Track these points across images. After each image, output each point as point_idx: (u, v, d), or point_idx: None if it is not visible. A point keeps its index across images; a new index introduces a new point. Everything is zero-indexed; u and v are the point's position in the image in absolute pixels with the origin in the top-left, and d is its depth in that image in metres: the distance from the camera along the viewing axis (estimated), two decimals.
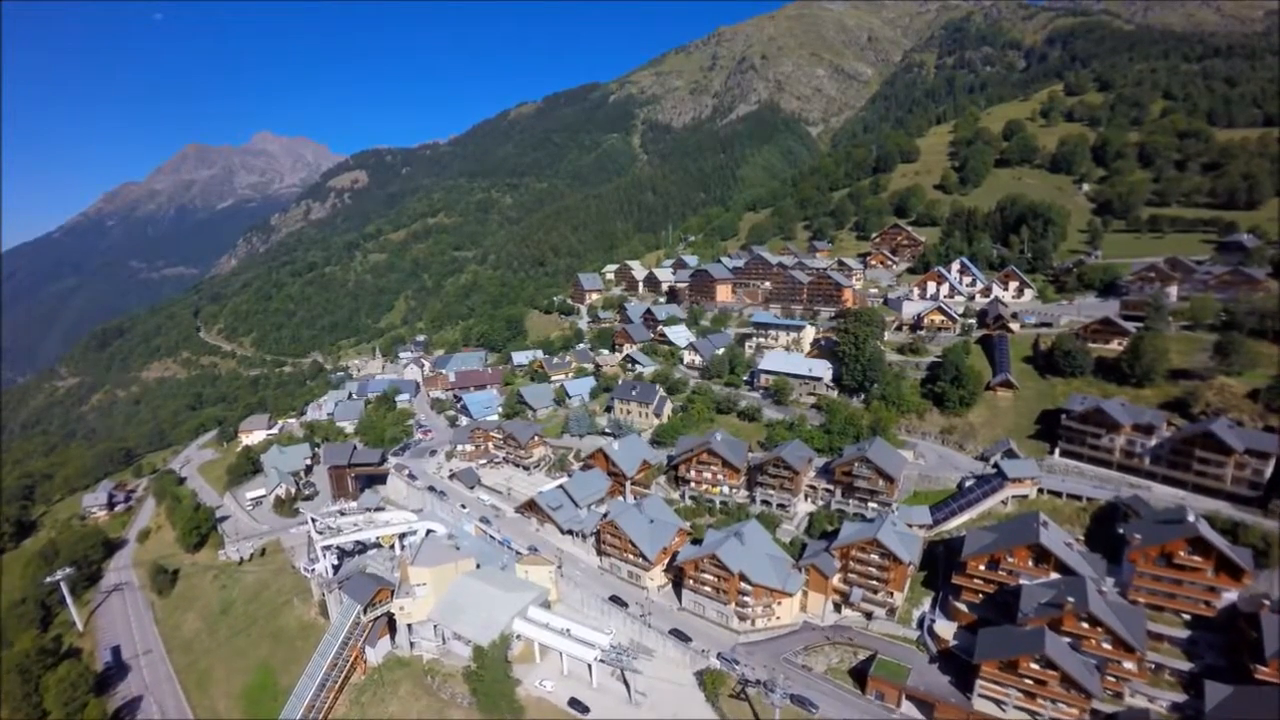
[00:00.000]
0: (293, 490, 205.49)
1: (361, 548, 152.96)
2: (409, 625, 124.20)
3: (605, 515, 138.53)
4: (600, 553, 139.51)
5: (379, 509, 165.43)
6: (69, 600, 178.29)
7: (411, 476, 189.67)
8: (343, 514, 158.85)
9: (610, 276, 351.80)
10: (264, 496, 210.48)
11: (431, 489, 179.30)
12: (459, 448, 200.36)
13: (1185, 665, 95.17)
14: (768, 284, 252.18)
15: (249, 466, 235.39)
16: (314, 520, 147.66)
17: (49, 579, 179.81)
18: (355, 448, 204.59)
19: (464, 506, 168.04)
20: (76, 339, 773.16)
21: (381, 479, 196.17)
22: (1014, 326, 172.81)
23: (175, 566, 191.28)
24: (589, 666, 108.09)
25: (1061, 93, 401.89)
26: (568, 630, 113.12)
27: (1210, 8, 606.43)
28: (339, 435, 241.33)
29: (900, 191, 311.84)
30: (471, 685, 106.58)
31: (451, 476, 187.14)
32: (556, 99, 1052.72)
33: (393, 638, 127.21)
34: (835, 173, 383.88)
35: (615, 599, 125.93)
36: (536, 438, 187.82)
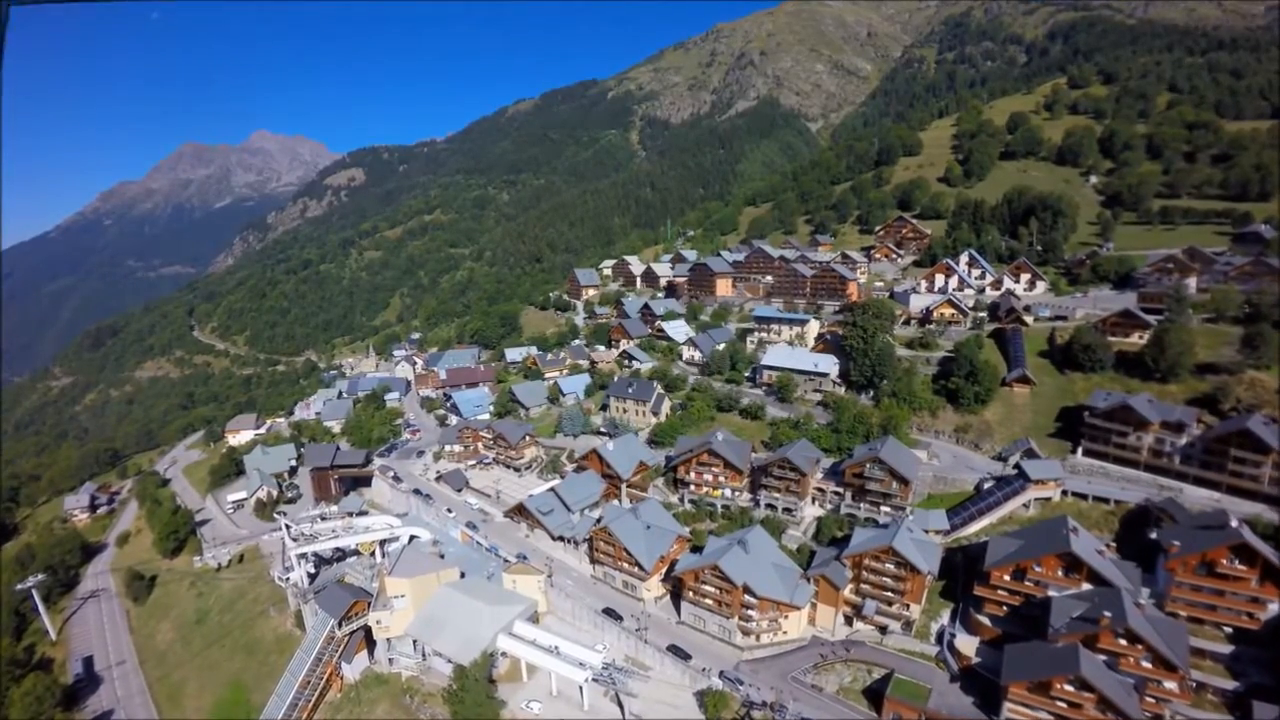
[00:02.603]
0: (274, 493, 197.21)
1: (341, 555, 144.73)
2: (387, 640, 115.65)
3: (599, 521, 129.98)
4: (593, 561, 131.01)
5: (361, 513, 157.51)
6: (40, 608, 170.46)
7: (396, 479, 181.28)
8: (322, 518, 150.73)
9: (607, 272, 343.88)
10: (245, 499, 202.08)
11: (417, 492, 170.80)
12: (447, 448, 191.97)
13: (1230, 684, 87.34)
14: (769, 278, 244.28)
15: (232, 468, 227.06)
16: (288, 526, 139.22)
17: (20, 586, 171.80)
18: (339, 449, 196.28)
19: (450, 511, 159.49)
20: (73, 338, 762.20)
21: (366, 481, 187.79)
22: (1028, 319, 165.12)
23: (152, 573, 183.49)
24: (580, 687, 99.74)
25: (1065, 86, 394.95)
26: (556, 648, 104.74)
27: (1211, 3, 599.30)
28: (325, 435, 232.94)
29: (903, 184, 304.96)
30: (452, 707, 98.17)
31: (438, 478, 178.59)
32: (554, 95, 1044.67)
33: (370, 653, 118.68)
34: (836, 166, 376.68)
35: (609, 611, 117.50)
36: (528, 438, 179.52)
